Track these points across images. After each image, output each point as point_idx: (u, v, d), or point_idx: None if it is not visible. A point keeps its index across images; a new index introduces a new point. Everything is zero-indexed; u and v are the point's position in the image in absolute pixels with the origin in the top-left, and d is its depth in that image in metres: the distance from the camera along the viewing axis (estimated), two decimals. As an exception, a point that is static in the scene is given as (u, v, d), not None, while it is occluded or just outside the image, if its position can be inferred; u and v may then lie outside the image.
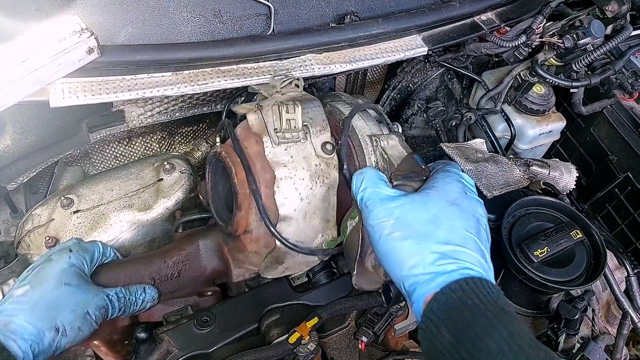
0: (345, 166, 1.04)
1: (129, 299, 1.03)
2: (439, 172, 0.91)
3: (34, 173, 1.20)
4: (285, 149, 1.01)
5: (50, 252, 1.01)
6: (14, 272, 1.20)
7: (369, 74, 1.71)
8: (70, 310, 0.91)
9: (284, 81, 1.12)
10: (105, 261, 1.11)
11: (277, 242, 1.02)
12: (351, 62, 1.23)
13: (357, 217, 0.93)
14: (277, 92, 1.10)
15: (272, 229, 1.00)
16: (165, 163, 1.25)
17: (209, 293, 1.19)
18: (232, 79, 1.13)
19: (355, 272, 0.95)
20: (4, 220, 1.27)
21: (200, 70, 1.12)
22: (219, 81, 1.12)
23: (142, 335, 1.00)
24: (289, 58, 1.20)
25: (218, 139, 1.13)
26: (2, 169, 1.15)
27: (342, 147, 1.06)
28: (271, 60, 1.18)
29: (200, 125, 1.56)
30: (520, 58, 1.52)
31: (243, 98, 1.28)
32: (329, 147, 1.04)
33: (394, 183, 0.91)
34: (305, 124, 1.03)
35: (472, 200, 0.86)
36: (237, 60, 1.15)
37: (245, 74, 1.14)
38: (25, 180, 1.19)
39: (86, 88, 1.03)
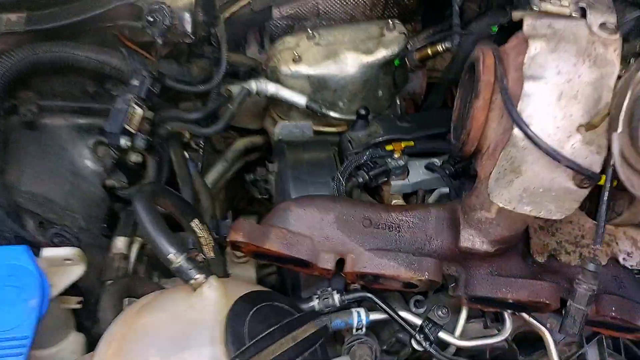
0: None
1: None
2: None
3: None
4: (549, 25, 0.84)
5: None
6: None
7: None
8: None
9: None
10: None
11: (515, 130, 0.82)
12: None
13: None
14: None
15: (510, 107, 0.82)
16: (390, 22, 1.53)
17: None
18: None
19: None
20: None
21: None
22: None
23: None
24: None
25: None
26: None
27: None
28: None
29: None
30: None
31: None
32: (610, 26, 0.84)
33: None
34: (581, 3, 0.86)
35: None
36: None
37: None
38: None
39: None
